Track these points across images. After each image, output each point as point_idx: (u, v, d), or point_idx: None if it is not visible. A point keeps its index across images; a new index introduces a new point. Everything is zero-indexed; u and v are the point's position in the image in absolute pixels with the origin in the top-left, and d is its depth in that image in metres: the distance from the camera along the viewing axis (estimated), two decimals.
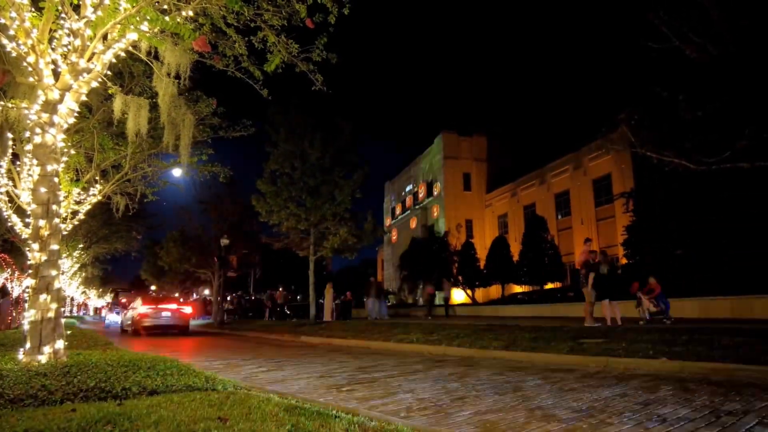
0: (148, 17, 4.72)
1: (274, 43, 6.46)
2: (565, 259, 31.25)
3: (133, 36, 4.98)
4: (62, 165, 6.77)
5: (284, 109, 21.03)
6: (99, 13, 4.65)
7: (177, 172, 12.02)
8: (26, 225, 8.62)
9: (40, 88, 4.78)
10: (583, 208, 33.96)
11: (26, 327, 4.60)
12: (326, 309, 22.12)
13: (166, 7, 5.23)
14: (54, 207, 4.78)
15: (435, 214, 47.06)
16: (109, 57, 5.09)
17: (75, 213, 10.55)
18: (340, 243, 20.55)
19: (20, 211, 9.04)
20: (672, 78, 9.64)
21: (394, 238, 54.91)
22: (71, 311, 51.85)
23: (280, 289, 33.67)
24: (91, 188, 10.44)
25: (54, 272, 4.68)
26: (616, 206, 27.52)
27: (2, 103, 6.17)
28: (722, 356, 5.16)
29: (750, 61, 8.49)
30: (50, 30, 4.78)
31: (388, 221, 57.99)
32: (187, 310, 18.15)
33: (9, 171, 8.77)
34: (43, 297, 4.55)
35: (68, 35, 4.82)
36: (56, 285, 4.68)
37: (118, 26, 4.81)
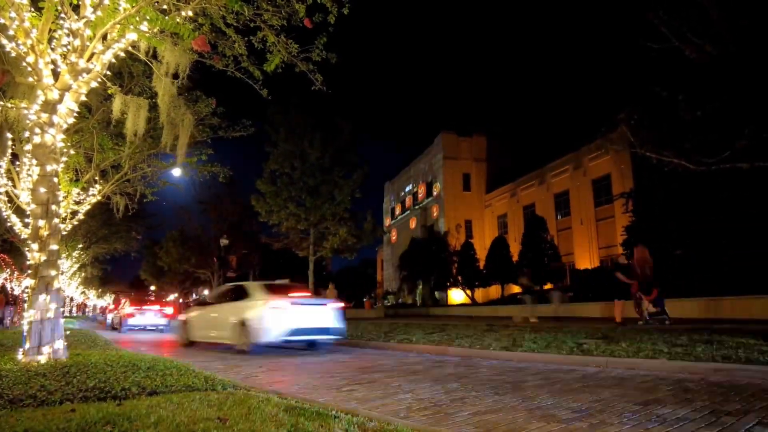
0: (148, 17, 4.72)
1: (274, 43, 6.46)
2: (565, 260, 31.26)
3: (132, 36, 4.98)
4: (62, 165, 6.76)
5: (284, 109, 21.06)
6: (98, 13, 4.64)
7: (176, 172, 12.02)
8: (26, 225, 8.62)
9: (40, 88, 4.78)
10: (582, 208, 33.97)
11: (26, 327, 4.60)
12: None
13: (165, 7, 5.23)
14: (53, 207, 4.77)
15: (435, 214, 47.06)
16: (108, 57, 5.09)
17: (74, 213, 10.55)
18: (340, 243, 20.58)
19: (20, 211, 9.04)
20: (671, 78, 9.64)
21: (394, 238, 54.92)
22: (70, 311, 51.81)
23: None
24: (91, 188, 10.44)
25: (53, 272, 4.67)
26: (616, 206, 27.53)
27: (2, 103, 6.17)
28: (722, 357, 5.16)
29: (749, 61, 8.49)
30: (50, 30, 4.78)
31: (387, 221, 57.99)
32: (169, 310, 19.59)
33: (8, 171, 8.77)
34: (42, 297, 4.55)
35: (68, 35, 4.81)
36: (56, 285, 4.68)
37: (118, 26, 4.80)
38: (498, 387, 4.49)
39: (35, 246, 4.65)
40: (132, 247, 29.69)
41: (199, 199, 32.16)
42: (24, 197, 8.17)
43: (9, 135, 7.64)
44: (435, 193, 47.55)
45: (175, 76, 5.95)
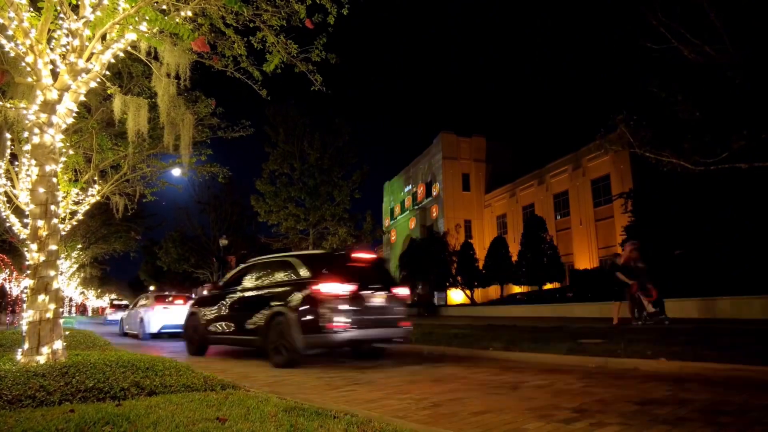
0: (147, 17, 4.71)
1: (274, 43, 6.46)
2: (564, 260, 31.29)
3: (132, 36, 4.98)
4: (61, 165, 6.76)
5: (283, 110, 21.08)
6: (98, 13, 4.64)
7: (176, 173, 12.02)
8: (24, 225, 8.61)
9: (39, 88, 4.77)
10: (581, 208, 34.00)
11: (24, 327, 4.59)
12: None
13: (165, 7, 5.23)
14: (52, 207, 4.77)
15: (434, 214, 47.08)
16: (107, 57, 5.09)
17: (73, 213, 10.54)
18: (339, 243, 20.58)
19: (18, 212, 9.04)
20: (670, 79, 9.66)
21: (393, 238, 54.93)
22: (69, 312, 51.78)
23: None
24: (90, 189, 10.44)
25: (52, 273, 4.67)
26: (615, 206, 27.57)
27: (1, 103, 6.16)
28: (721, 356, 5.17)
29: (747, 62, 8.51)
30: (49, 30, 4.78)
31: (387, 221, 58.01)
32: None
33: (7, 171, 8.77)
34: (41, 297, 4.54)
35: (67, 35, 4.81)
36: (55, 285, 4.67)
37: (117, 26, 4.80)
38: (497, 387, 4.49)
39: (34, 246, 4.64)
40: (131, 247, 29.67)
41: (198, 199, 32.19)
42: (23, 197, 8.16)
43: (8, 135, 7.64)
44: (434, 194, 47.58)
45: (176, 76, 5.95)
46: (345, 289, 6.18)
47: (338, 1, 6.20)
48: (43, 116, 4.77)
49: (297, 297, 6.29)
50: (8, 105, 6.03)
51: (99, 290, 70.04)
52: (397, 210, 56.79)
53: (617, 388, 4.27)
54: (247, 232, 33.51)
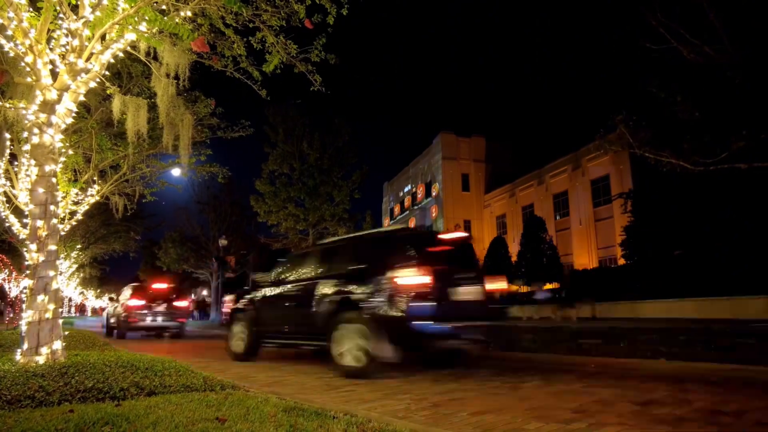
0: (147, 17, 4.71)
1: (273, 43, 6.46)
2: (564, 260, 31.29)
3: (131, 36, 4.98)
4: (60, 165, 6.76)
5: (283, 110, 21.08)
6: (97, 13, 4.64)
7: (175, 173, 12.02)
8: (24, 225, 8.61)
9: (38, 88, 4.77)
10: (581, 208, 34.01)
11: (24, 328, 4.59)
12: None
13: (164, 7, 5.22)
14: (52, 207, 4.77)
15: (434, 214, 47.07)
16: (107, 57, 5.09)
17: (73, 213, 10.54)
18: None
19: (18, 212, 9.03)
20: (669, 79, 9.67)
21: None
22: (69, 312, 51.77)
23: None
24: (90, 189, 10.44)
25: (52, 273, 4.67)
26: (615, 207, 27.57)
27: (0, 103, 6.16)
28: (720, 357, 5.17)
29: (747, 62, 8.52)
30: (48, 30, 4.78)
31: (386, 222, 57.98)
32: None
33: (7, 171, 8.76)
34: (40, 298, 4.54)
35: (66, 35, 4.81)
36: (54, 286, 4.67)
37: (117, 26, 4.80)
38: (497, 387, 4.49)
39: (33, 246, 4.64)
40: (130, 247, 29.67)
41: (197, 199, 32.17)
42: (22, 197, 8.16)
43: (7, 135, 7.63)
44: (434, 194, 47.57)
45: (175, 76, 5.95)
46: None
47: (338, 1, 6.20)
48: (43, 116, 4.77)
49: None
50: (8, 105, 6.03)
51: (98, 290, 70.03)
52: (397, 210, 56.77)
53: (617, 388, 4.28)
54: (246, 232, 33.49)
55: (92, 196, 10.50)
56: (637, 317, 15.55)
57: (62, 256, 21.45)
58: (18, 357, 4.54)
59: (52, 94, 4.80)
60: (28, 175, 5.98)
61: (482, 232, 44.94)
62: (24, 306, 4.72)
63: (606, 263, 30.32)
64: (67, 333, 8.85)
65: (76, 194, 10.22)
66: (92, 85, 5.23)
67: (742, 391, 3.98)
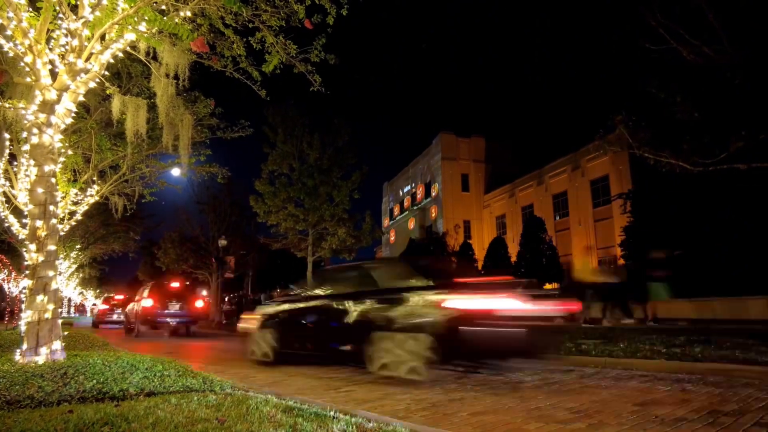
0: (146, 17, 4.71)
1: (273, 43, 6.46)
2: (563, 260, 31.30)
3: (131, 36, 4.97)
4: (60, 165, 6.76)
5: (282, 110, 21.06)
6: (97, 13, 4.64)
7: (175, 173, 12.02)
8: (23, 225, 8.61)
9: (38, 88, 4.77)
10: (580, 209, 34.02)
11: (23, 328, 4.59)
12: None
13: (164, 7, 5.22)
14: (51, 207, 4.76)
15: (433, 214, 47.07)
16: (107, 57, 5.09)
17: (72, 213, 10.54)
18: (339, 244, 20.56)
19: (17, 212, 9.03)
20: (669, 79, 9.67)
21: (393, 239, 54.91)
22: (68, 312, 51.73)
23: (278, 290, 33.70)
24: (89, 189, 10.43)
25: (51, 273, 4.66)
26: (614, 207, 27.60)
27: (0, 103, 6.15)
28: (719, 357, 5.17)
29: (746, 63, 8.52)
30: (48, 30, 4.78)
31: (386, 222, 57.99)
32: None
33: (6, 171, 8.76)
34: (40, 298, 4.54)
35: (66, 35, 4.81)
36: (53, 286, 4.67)
37: (116, 26, 4.80)
38: (496, 387, 4.49)
39: (33, 246, 4.64)
40: (130, 247, 29.65)
41: (197, 199, 32.15)
42: (22, 198, 8.15)
43: (7, 135, 7.63)
44: (433, 194, 47.58)
45: (175, 76, 5.95)
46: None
47: (337, 1, 6.20)
48: (42, 116, 4.77)
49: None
50: (7, 105, 6.02)
51: (98, 290, 69.99)
52: (397, 210, 56.78)
53: (616, 389, 4.28)
54: (246, 232, 33.46)
55: (91, 196, 10.50)
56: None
57: (61, 256, 21.44)
58: (17, 357, 4.54)
59: (52, 94, 4.80)
60: (27, 176, 5.98)
61: (482, 232, 44.94)
62: (23, 306, 4.71)
63: (605, 264, 30.31)
64: (66, 333, 8.84)
65: (76, 194, 10.22)
66: (92, 85, 5.23)
67: (741, 392, 3.98)
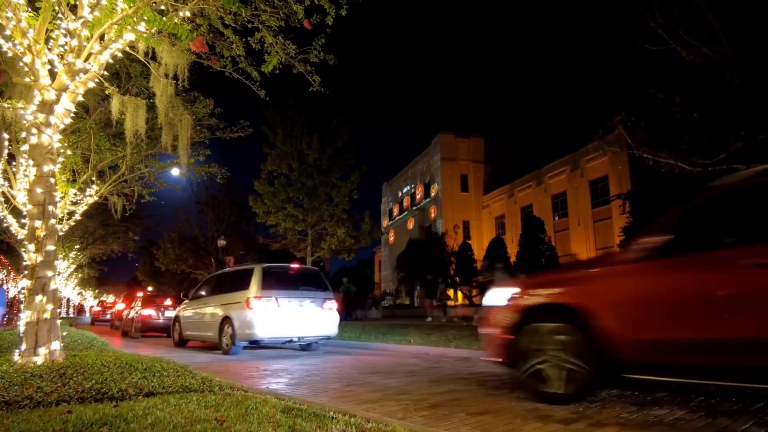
0: (146, 18, 4.71)
1: (272, 44, 6.46)
2: (563, 260, 31.32)
3: (130, 36, 4.97)
4: (59, 166, 6.75)
5: (282, 110, 21.08)
6: (96, 13, 4.64)
7: (174, 173, 12.02)
8: (22, 226, 8.60)
9: (37, 88, 4.77)
10: (580, 209, 34.05)
11: (22, 328, 4.58)
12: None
13: (163, 7, 5.22)
14: (50, 208, 4.76)
15: (432, 215, 47.09)
16: (106, 57, 5.08)
17: (71, 214, 10.53)
18: (338, 244, 20.57)
19: (16, 212, 9.03)
20: (668, 80, 9.68)
21: (392, 239, 54.93)
22: (67, 313, 51.68)
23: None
24: (88, 189, 10.43)
25: (50, 273, 4.66)
26: (613, 207, 27.62)
27: None
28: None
29: (745, 63, 8.54)
30: (47, 30, 4.77)
31: (385, 222, 58.00)
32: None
33: (5, 171, 8.76)
34: (39, 298, 4.53)
35: (65, 35, 4.80)
36: (52, 286, 4.66)
37: (115, 27, 4.80)
38: (495, 388, 4.49)
39: (32, 247, 4.63)
40: (129, 247, 29.66)
41: (196, 199, 32.18)
42: (21, 198, 8.15)
43: (6, 135, 7.62)
44: (433, 194, 47.60)
45: (174, 77, 5.95)
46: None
47: (336, 1, 6.21)
48: (41, 116, 4.76)
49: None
50: (6, 105, 6.02)
51: (97, 291, 69.90)
52: (396, 211, 56.79)
53: (616, 389, 4.28)
54: (245, 232, 33.51)
55: (91, 196, 10.49)
56: None
57: (60, 256, 21.42)
58: (16, 357, 4.53)
59: (51, 95, 4.80)
60: (26, 176, 5.97)
61: (481, 232, 44.97)
62: (22, 306, 4.71)
63: None
64: (65, 334, 8.84)
65: (75, 194, 10.21)
66: (91, 85, 5.23)
67: (740, 392, 3.98)
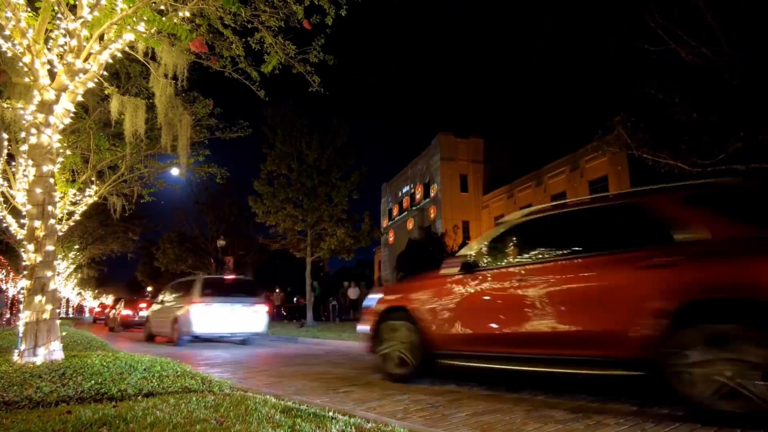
0: (145, 18, 4.71)
1: (272, 44, 6.46)
2: None
3: (129, 36, 4.97)
4: (58, 166, 6.75)
5: (281, 110, 21.06)
6: (95, 13, 4.64)
7: (174, 173, 12.02)
8: (21, 226, 8.59)
9: (36, 88, 4.76)
10: None
11: (21, 328, 4.58)
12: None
13: (163, 7, 5.22)
14: (50, 208, 4.76)
15: (432, 215, 47.08)
16: (105, 57, 5.08)
17: (71, 214, 10.53)
18: (338, 244, 20.54)
19: (15, 212, 9.02)
20: (667, 80, 9.69)
21: (391, 239, 54.91)
22: (67, 313, 51.65)
23: (277, 290, 33.71)
24: (87, 189, 10.43)
25: (49, 273, 4.66)
26: None
27: None
28: None
29: (744, 63, 8.54)
30: (46, 30, 4.77)
31: (385, 222, 57.97)
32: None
33: (4, 171, 8.76)
34: (38, 298, 4.53)
35: (64, 35, 4.80)
36: (52, 286, 4.66)
37: (115, 27, 4.80)
38: (495, 388, 4.50)
39: (31, 247, 4.63)
40: (129, 248, 29.62)
41: (196, 199, 32.17)
42: (20, 198, 8.15)
43: (5, 135, 7.62)
44: (432, 195, 47.59)
45: (173, 77, 5.94)
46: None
47: (336, 2, 6.21)
48: (41, 116, 4.76)
49: None
50: (5, 105, 6.02)
51: (96, 291, 69.85)
52: (395, 211, 56.78)
53: (615, 389, 4.28)
54: (245, 232, 33.47)
55: (90, 196, 10.49)
56: None
57: (60, 256, 21.40)
58: (15, 358, 4.53)
59: (50, 95, 4.79)
60: (25, 176, 5.97)
61: (480, 232, 44.97)
62: (21, 306, 4.71)
63: None
64: (64, 333, 8.84)
65: (74, 195, 10.21)
66: (90, 85, 5.23)
67: None
